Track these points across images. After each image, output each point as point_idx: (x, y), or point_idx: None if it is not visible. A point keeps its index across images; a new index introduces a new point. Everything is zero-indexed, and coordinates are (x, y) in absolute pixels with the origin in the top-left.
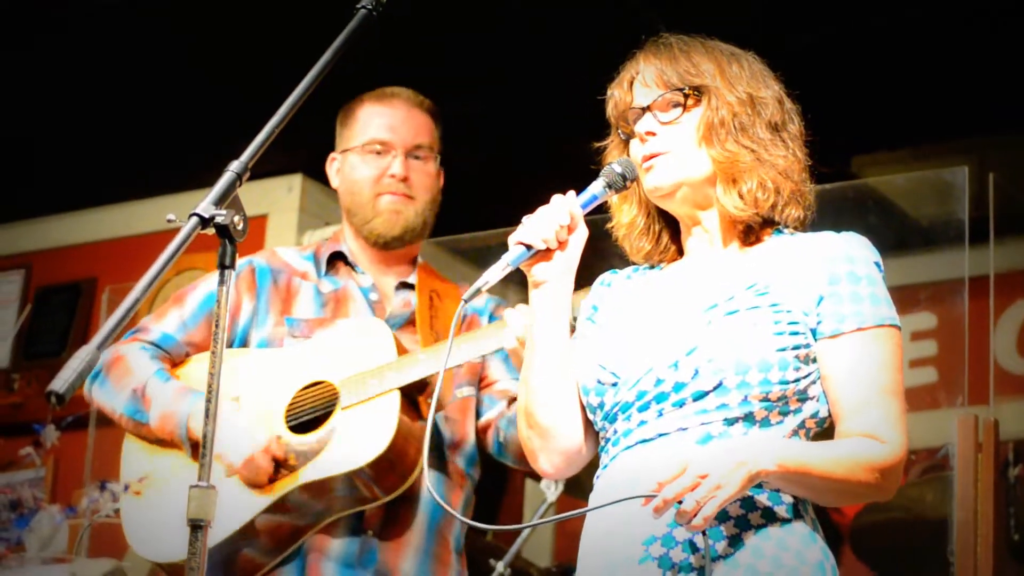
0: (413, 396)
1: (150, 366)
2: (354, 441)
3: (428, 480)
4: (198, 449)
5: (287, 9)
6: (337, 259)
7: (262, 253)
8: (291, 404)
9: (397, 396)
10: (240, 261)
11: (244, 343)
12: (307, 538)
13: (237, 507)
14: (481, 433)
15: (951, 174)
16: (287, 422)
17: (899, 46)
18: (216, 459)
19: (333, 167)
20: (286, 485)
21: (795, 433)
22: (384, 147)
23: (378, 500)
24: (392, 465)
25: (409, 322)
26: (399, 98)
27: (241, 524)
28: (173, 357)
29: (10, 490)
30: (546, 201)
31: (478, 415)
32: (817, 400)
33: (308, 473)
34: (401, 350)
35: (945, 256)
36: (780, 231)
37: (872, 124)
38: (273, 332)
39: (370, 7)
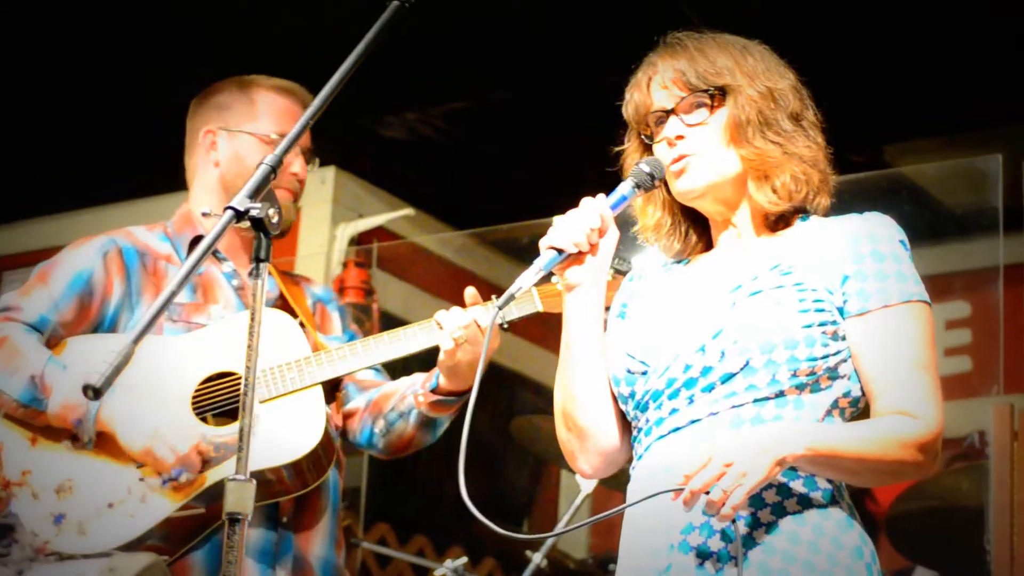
0: (332, 393)
1: (42, 351)
2: (280, 435)
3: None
4: (106, 439)
5: (315, 4)
6: (197, 244)
7: (118, 233)
8: (196, 395)
9: (320, 392)
10: (100, 239)
11: (113, 326)
12: (216, 527)
13: (152, 506)
14: (346, 421)
15: (984, 162)
16: (195, 414)
17: (934, 34)
18: (140, 456)
19: (214, 141)
20: (205, 480)
21: (828, 413)
22: (273, 144)
23: (291, 494)
24: (316, 460)
25: (273, 305)
26: (298, 95)
27: (156, 522)
28: (48, 340)
29: None
30: (577, 195)
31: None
32: (848, 379)
33: (230, 467)
34: (316, 345)
35: (979, 244)
36: (806, 216)
37: (905, 113)
38: None
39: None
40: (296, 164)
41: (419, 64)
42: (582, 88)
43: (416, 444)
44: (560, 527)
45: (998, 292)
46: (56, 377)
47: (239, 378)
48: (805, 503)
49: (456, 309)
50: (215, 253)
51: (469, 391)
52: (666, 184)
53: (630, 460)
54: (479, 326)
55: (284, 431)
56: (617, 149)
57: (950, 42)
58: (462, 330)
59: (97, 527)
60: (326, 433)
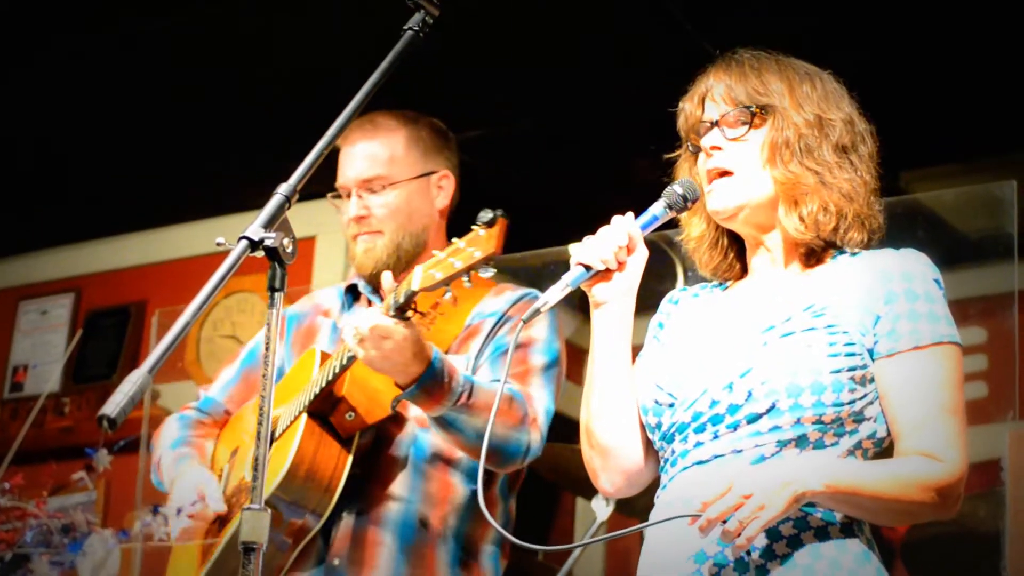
0: (324, 416)
1: (172, 436)
2: (271, 473)
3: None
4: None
5: (332, 31)
6: (352, 291)
7: (301, 299)
8: None
9: (304, 419)
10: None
11: None
12: None
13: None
14: None
15: (999, 188)
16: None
17: (946, 61)
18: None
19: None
20: (224, 535)
21: (851, 453)
22: (344, 191)
23: (313, 527)
24: (305, 487)
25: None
26: (354, 133)
27: None
28: (214, 418)
29: (63, 514)
30: (595, 225)
31: None
32: (874, 420)
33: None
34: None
35: (994, 270)
36: (842, 251)
37: (920, 139)
38: None
39: (417, 28)
40: (350, 208)
41: (435, 93)
42: (601, 118)
43: (488, 451)
44: (576, 546)
45: (1014, 318)
46: (166, 460)
47: (275, 422)
48: (822, 536)
49: (348, 316)
50: (370, 298)
51: (415, 381)
52: None
53: (656, 482)
54: (359, 329)
55: (273, 469)
56: (667, 157)
57: (965, 69)
58: (350, 336)
59: None
60: (299, 461)
